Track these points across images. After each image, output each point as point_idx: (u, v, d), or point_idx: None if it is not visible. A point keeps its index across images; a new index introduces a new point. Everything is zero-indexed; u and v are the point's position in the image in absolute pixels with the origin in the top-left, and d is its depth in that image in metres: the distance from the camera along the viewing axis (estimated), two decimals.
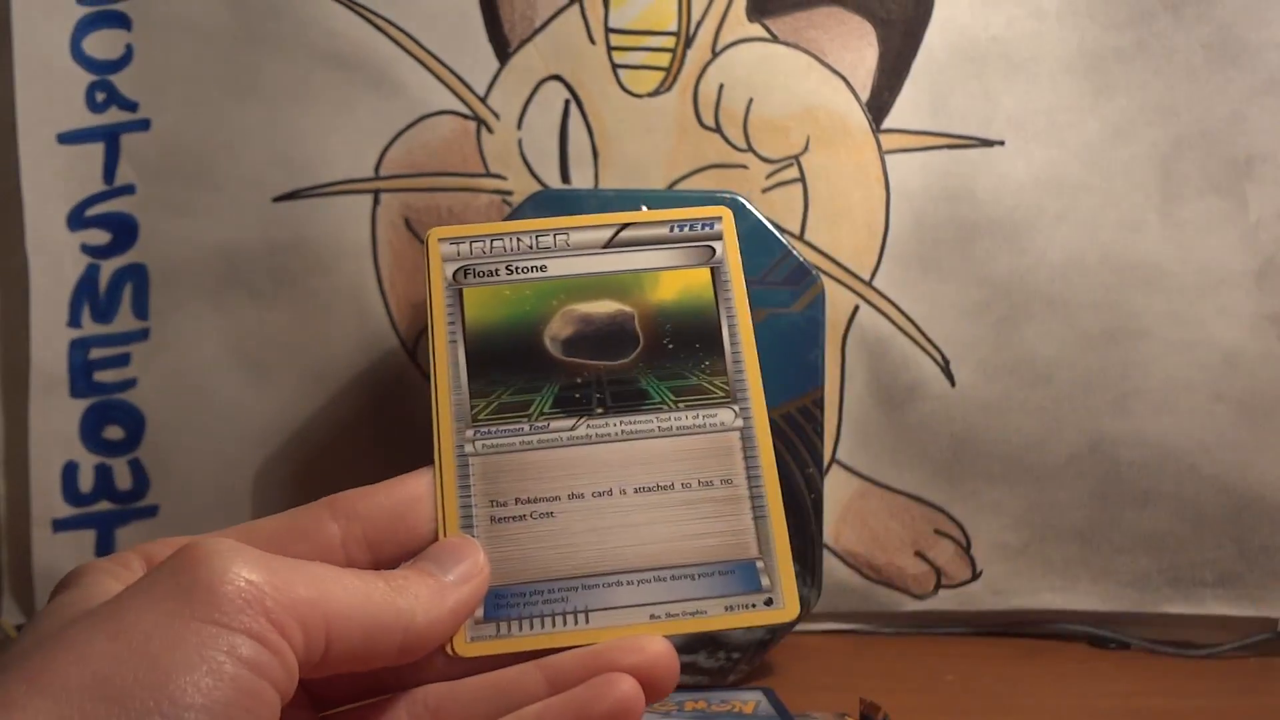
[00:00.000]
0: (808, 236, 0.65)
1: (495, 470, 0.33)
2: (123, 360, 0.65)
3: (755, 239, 0.56)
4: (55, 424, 0.64)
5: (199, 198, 0.64)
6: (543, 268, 0.36)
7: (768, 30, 0.65)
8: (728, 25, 0.65)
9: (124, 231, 0.64)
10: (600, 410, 0.34)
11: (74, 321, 0.64)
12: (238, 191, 0.64)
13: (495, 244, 0.36)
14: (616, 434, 0.34)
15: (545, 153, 0.65)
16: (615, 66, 0.64)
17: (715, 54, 0.65)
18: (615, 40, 0.64)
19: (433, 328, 0.35)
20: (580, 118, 0.65)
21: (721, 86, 0.64)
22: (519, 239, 0.36)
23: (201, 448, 0.65)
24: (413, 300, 0.65)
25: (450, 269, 0.36)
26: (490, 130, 0.64)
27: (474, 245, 0.36)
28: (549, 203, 0.57)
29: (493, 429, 0.34)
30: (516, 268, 0.36)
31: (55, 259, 0.63)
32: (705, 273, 0.37)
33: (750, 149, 0.65)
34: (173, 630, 0.25)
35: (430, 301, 0.35)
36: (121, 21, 0.63)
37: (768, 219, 0.57)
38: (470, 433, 0.34)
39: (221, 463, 0.65)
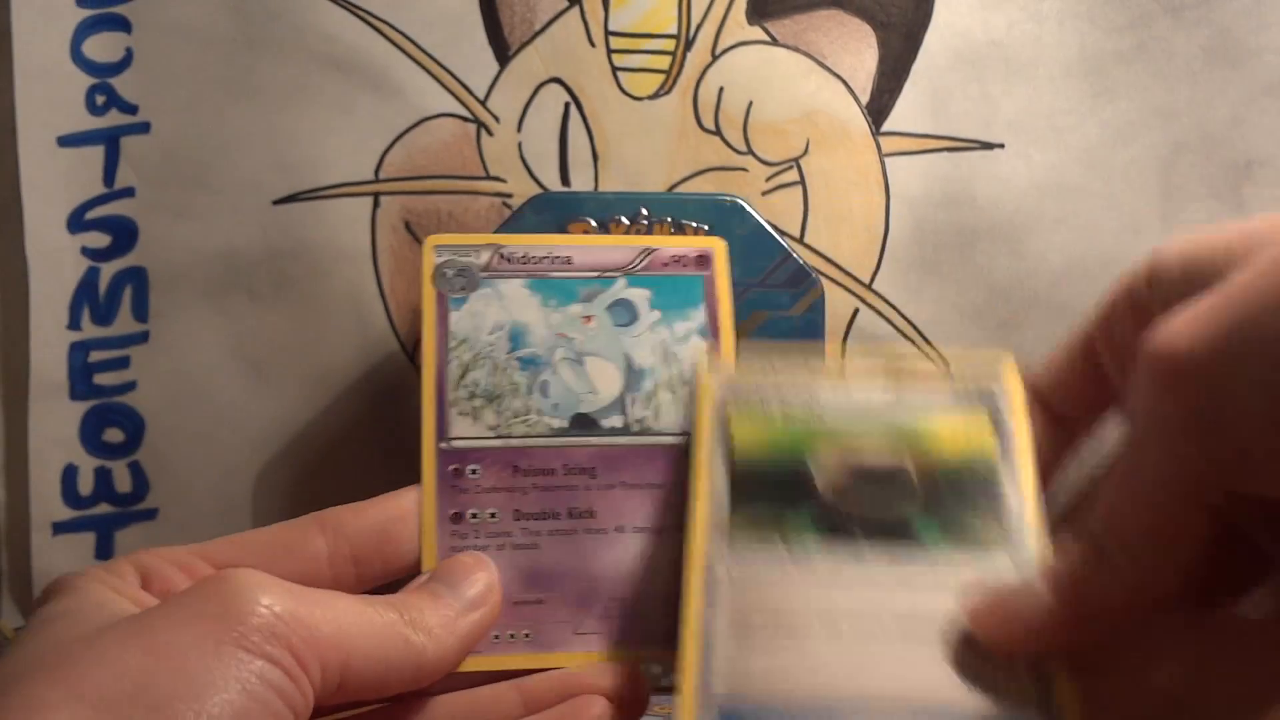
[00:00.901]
0: (807, 239, 0.65)
1: (744, 582, 0.30)
2: (123, 363, 0.65)
3: (755, 242, 0.56)
4: (55, 427, 0.64)
5: (199, 201, 0.64)
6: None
7: (768, 33, 0.65)
8: (727, 28, 0.65)
9: (124, 234, 0.64)
10: (860, 535, 0.31)
11: (74, 324, 0.64)
12: (237, 194, 0.64)
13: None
14: (876, 561, 0.30)
15: (545, 155, 0.65)
16: (615, 69, 0.64)
17: (715, 57, 0.65)
18: (615, 43, 0.64)
19: None
20: (580, 120, 0.65)
21: (721, 89, 0.64)
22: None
23: (201, 451, 0.65)
24: (413, 304, 0.65)
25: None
26: (490, 133, 0.64)
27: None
28: (549, 205, 0.57)
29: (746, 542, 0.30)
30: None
31: (55, 262, 0.63)
32: (984, 418, 0.33)
33: (750, 152, 0.65)
34: (207, 650, 0.26)
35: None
36: (121, 25, 0.63)
37: (768, 222, 0.57)
38: (723, 544, 0.30)
39: (221, 465, 0.65)
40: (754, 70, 0.65)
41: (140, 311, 0.65)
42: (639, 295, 0.36)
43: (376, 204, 0.65)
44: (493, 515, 0.32)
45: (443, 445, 0.33)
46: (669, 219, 0.56)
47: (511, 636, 0.31)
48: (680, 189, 0.65)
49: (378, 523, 0.32)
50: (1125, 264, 0.68)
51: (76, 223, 0.64)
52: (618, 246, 0.36)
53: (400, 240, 0.65)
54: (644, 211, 0.56)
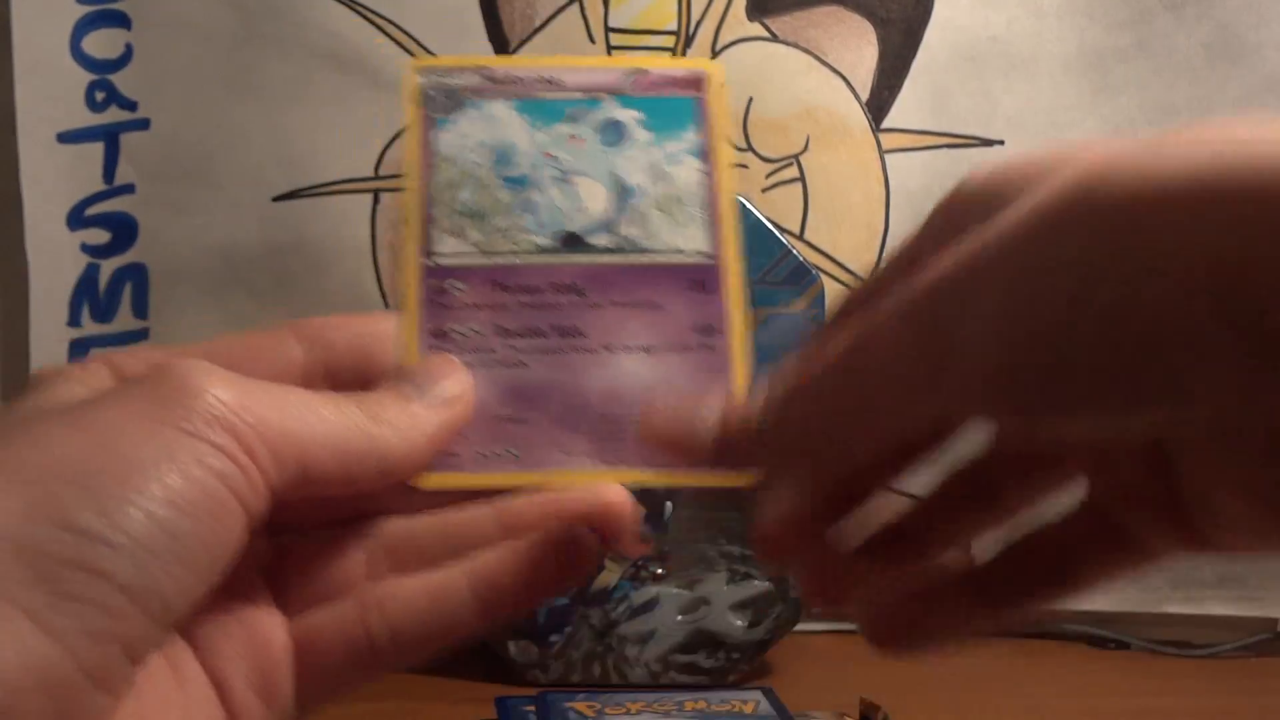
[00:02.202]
0: (807, 236, 0.65)
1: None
2: None
3: (755, 239, 0.56)
4: None
5: (199, 197, 0.64)
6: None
7: (768, 30, 0.65)
8: (727, 24, 0.65)
9: (124, 231, 0.64)
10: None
11: (74, 321, 0.64)
12: (237, 191, 0.64)
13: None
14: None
15: None
16: None
17: (715, 53, 0.64)
18: (615, 39, 0.64)
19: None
20: None
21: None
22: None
23: None
24: None
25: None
26: None
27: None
28: None
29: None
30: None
31: (55, 258, 0.63)
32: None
33: (750, 148, 0.65)
34: (142, 430, 0.25)
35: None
36: (121, 21, 0.63)
37: (767, 218, 0.57)
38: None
39: None
40: (754, 67, 0.64)
41: (140, 308, 0.65)
42: (629, 116, 0.35)
43: (376, 200, 0.65)
44: (476, 331, 0.32)
45: (426, 262, 0.32)
46: None
47: (497, 455, 0.31)
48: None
49: (357, 336, 0.31)
50: None
51: (76, 219, 0.64)
52: (607, 68, 0.35)
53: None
54: None
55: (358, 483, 0.28)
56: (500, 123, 0.34)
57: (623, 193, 0.33)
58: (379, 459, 0.28)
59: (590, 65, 0.35)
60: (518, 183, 0.33)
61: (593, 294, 0.32)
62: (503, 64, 0.35)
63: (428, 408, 0.29)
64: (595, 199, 0.33)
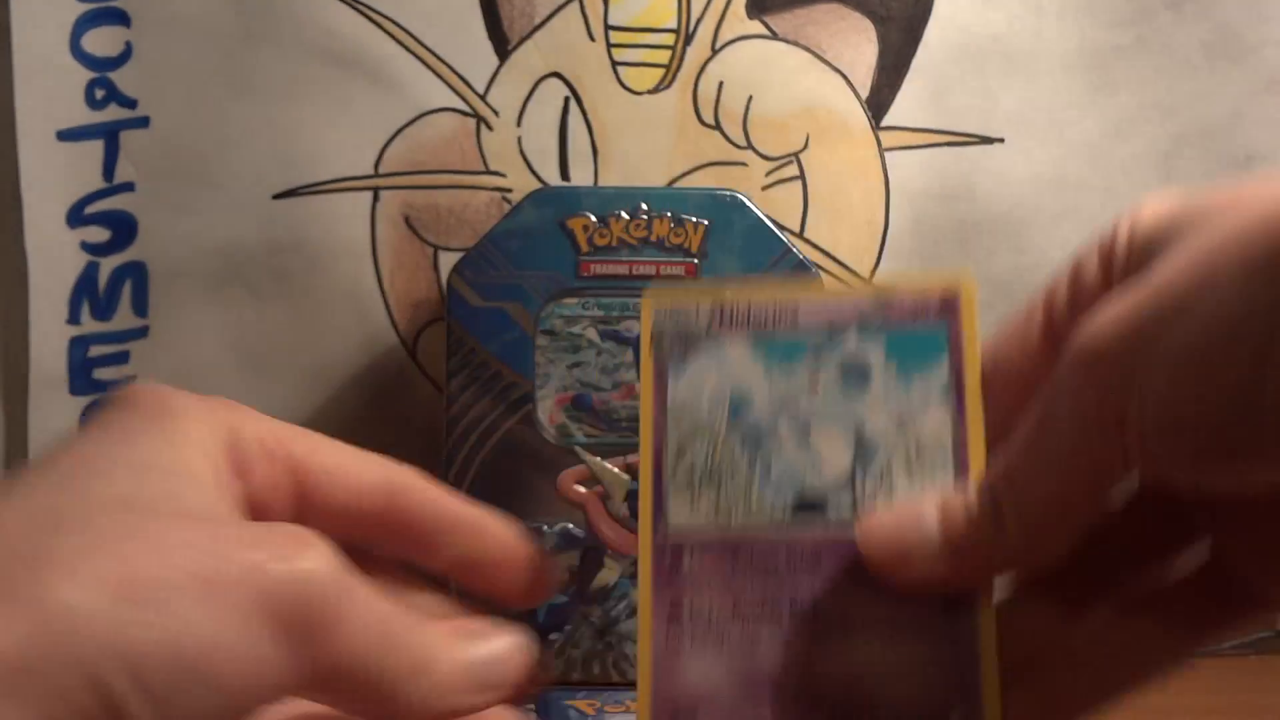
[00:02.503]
0: (807, 234, 0.65)
1: None
2: (122, 358, 0.65)
3: (754, 237, 0.56)
4: (55, 422, 0.64)
5: (198, 195, 0.64)
6: None
7: (767, 27, 0.65)
8: (727, 22, 0.64)
9: (123, 229, 0.64)
10: None
11: (73, 319, 0.64)
12: (237, 189, 0.64)
13: None
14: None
15: (545, 150, 0.65)
16: (615, 64, 0.64)
17: (715, 51, 0.64)
18: (615, 37, 0.64)
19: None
20: (580, 115, 0.64)
21: (721, 84, 0.64)
22: None
23: None
24: (412, 298, 0.65)
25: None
26: (490, 128, 0.64)
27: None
28: (548, 200, 0.57)
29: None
30: None
31: (54, 256, 0.63)
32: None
33: (750, 146, 0.65)
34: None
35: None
36: (121, 18, 0.63)
37: (767, 217, 0.57)
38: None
39: None
40: (754, 64, 0.64)
41: (140, 306, 0.65)
42: (873, 354, 0.31)
43: (376, 198, 0.65)
44: (711, 611, 0.29)
45: (658, 537, 0.30)
46: (669, 213, 0.56)
47: None
48: (680, 184, 0.65)
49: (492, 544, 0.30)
50: None
51: (76, 217, 0.64)
52: (848, 299, 0.32)
53: (400, 235, 0.65)
54: (644, 207, 0.56)
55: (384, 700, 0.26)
56: (735, 365, 0.31)
57: (866, 448, 0.30)
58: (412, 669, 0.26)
59: (835, 297, 0.31)
60: (755, 439, 0.30)
61: (829, 566, 0.29)
62: (741, 297, 0.31)
63: (471, 640, 0.28)
64: (836, 456, 0.30)
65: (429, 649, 0.26)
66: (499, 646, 0.28)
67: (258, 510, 0.27)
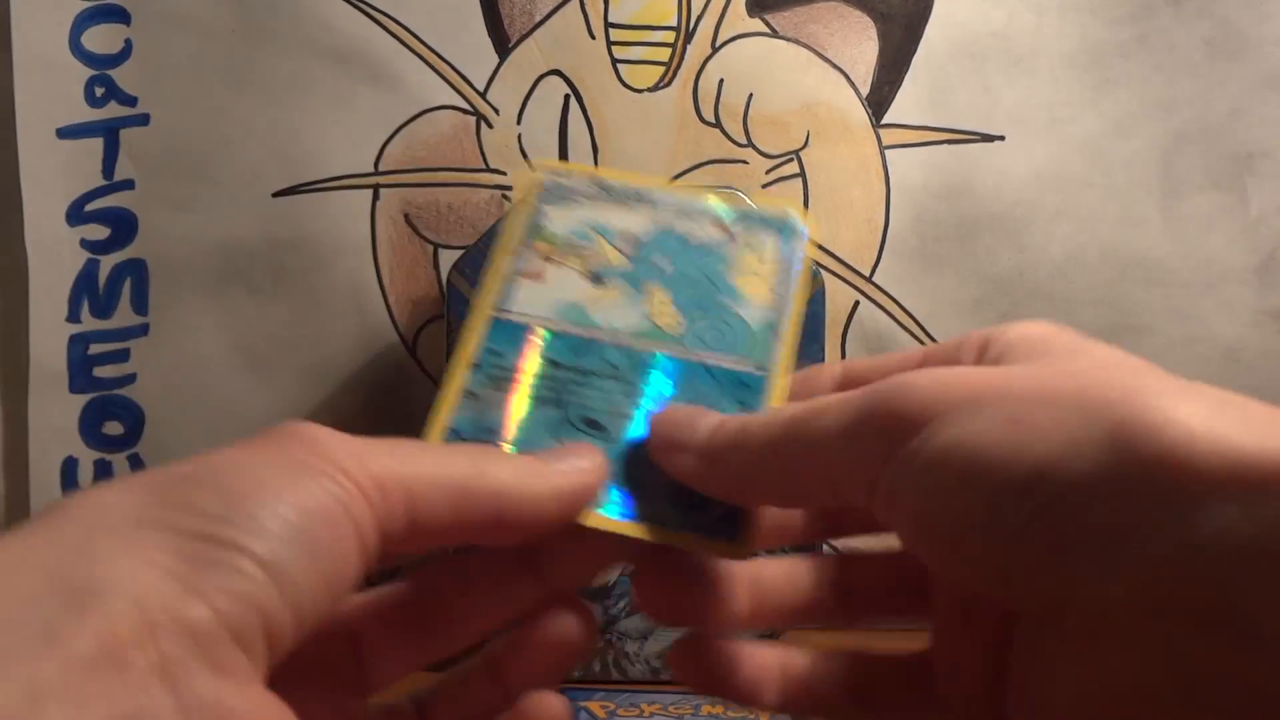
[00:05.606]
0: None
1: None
2: (122, 356, 0.65)
3: None
4: (55, 419, 0.64)
5: (198, 193, 0.64)
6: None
7: (768, 25, 0.65)
8: (728, 20, 0.64)
9: (123, 227, 0.64)
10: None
11: (73, 317, 0.64)
12: (237, 187, 0.64)
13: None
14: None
15: (545, 148, 0.65)
16: (615, 61, 0.64)
17: (715, 49, 0.64)
18: (615, 35, 0.64)
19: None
20: (580, 113, 0.64)
21: (722, 81, 0.64)
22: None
23: (201, 443, 0.65)
24: (412, 295, 0.65)
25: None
26: (490, 125, 0.64)
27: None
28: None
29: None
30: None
31: (54, 254, 0.63)
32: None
33: (750, 144, 0.65)
34: (264, 459, 0.25)
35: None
36: (120, 16, 0.63)
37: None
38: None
39: None
40: (754, 62, 0.64)
41: (140, 304, 0.65)
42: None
43: (376, 196, 0.65)
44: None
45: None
46: None
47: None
48: (680, 181, 0.65)
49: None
50: (1125, 255, 0.68)
51: (76, 215, 0.64)
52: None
53: (400, 232, 0.65)
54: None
55: (473, 528, 0.27)
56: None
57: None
58: (492, 498, 0.27)
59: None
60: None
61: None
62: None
63: (551, 463, 0.29)
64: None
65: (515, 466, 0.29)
66: (572, 462, 0.30)
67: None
